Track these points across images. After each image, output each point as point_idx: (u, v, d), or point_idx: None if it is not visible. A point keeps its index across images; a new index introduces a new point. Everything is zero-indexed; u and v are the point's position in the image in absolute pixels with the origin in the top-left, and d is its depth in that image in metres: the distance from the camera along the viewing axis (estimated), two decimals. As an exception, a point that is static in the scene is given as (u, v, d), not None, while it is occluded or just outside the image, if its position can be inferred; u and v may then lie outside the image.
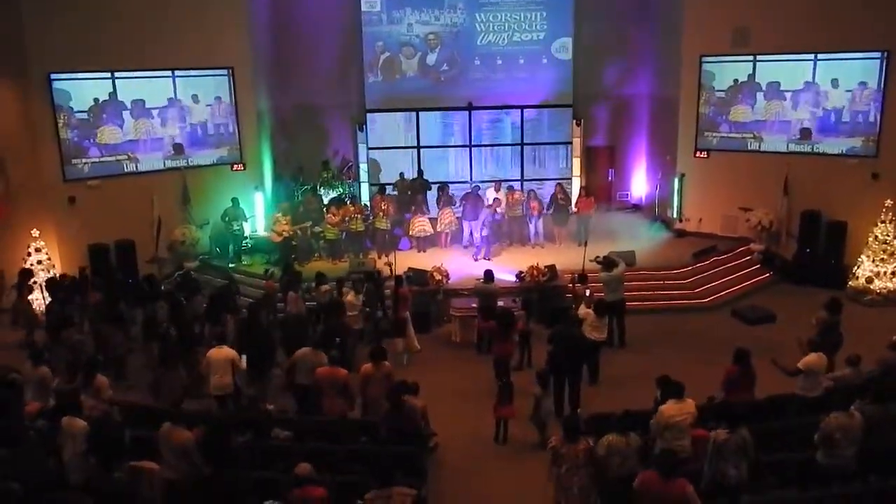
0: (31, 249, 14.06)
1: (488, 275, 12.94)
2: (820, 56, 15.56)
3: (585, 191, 17.54)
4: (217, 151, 17.08)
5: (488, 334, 11.93)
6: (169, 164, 16.40)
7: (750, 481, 7.10)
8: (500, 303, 12.70)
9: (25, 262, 13.92)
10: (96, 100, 15.24)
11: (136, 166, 15.96)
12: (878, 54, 14.90)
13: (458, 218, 16.78)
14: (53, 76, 14.47)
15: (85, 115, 15.12)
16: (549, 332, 11.02)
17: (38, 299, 13.58)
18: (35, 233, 14.10)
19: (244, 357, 10.16)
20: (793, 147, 16.24)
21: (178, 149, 16.50)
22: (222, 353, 9.82)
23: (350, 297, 12.46)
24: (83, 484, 7.26)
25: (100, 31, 14.66)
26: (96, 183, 15.28)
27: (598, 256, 14.36)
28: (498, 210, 16.43)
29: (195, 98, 16.63)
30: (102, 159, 15.46)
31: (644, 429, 7.73)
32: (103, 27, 14.70)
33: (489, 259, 15.68)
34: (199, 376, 10.84)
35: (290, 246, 15.73)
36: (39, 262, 14.02)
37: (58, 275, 13.86)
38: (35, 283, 13.59)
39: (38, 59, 14.16)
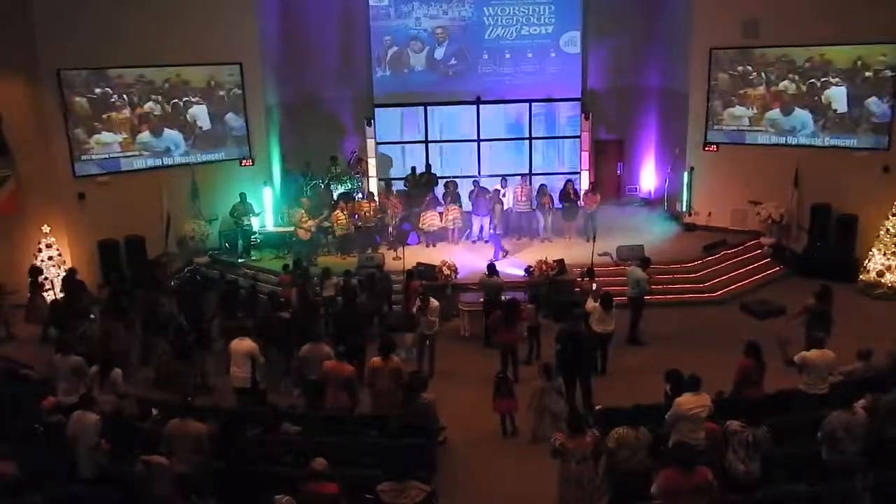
0: (42, 245, 14.14)
1: (491, 268, 12.98)
2: (831, 47, 15.45)
3: (592, 186, 17.50)
4: (226, 147, 17.12)
5: (494, 324, 11.93)
6: (178, 159, 16.45)
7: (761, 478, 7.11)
8: (506, 296, 12.69)
9: (36, 258, 14.02)
10: (105, 95, 15.29)
11: (146, 162, 16.03)
12: (889, 46, 14.77)
13: (466, 213, 16.75)
14: (63, 72, 14.52)
15: (94, 111, 15.17)
16: (557, 326, 11.02)
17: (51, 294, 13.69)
18: (45, 228, 14.18)
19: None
20: (803, 140, 16.15)
21: (187, 144, 16.56)
22: (243, 344, 9.81)
23: (433, 304, 11.89)
24: (95, 477, 7.33)
25: (110, 27, 14.70)
26: (106, 179, 15.36)
27: (606, 252, 14.37)
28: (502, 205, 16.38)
29: (204, 93, 16.65)
30: (112, 155, 15.53)
31: (655, 422, 7.72)
32: (113, 23, 14.74)
33: (506, 256, 15.55)
34: (206, 370, 10.97)
35: (316, 242, 15.82)
36: (50, 258, 14.11)
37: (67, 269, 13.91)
38: (46, 278, 13.68)
39: (48, 55, 14.21)
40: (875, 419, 7.50)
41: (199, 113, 16.74)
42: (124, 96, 15.64)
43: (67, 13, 14.18)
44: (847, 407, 7.32)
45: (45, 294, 13.29)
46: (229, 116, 17.10)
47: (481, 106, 18.53)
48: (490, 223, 15.93)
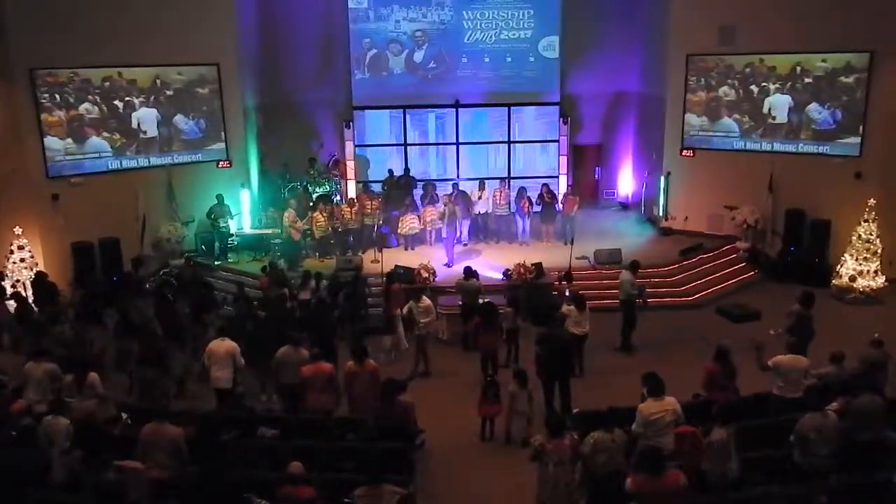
0: (14, 247, 13.90)
1: (468, 271, 13.00)
2: (805, 55, 15.69)
3: (571, 189, 17.60)
4: (203, 148, 16.96)
5: (474, 329, 11.97)
6: (154, 161, 16.26)
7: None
8: (482, 300, 12.70)
9: (8, 261, 13.79)
10: (80, 95, 15.07)
11: (121, 163, 15.83)
12: (862, 54, 15.02)
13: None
14: (37, 72, 14.31)
15: (68, 111, 14.94)
16: (536, 329, 11.06)
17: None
18: (18, 230, 13.94)
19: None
20: (778, 146, 16.37)
21: (163, 145, 16.38)
22: (223, 346, 9.74)
23: (425, 301, 12.04)
24: (68, 483, 7.22)
25: (84, 27, 14.51)
26: (80, 180, 15.14)
27: (583, 255, 14.41)
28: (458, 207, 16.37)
29: (181, 94, 16.48)
30: (86, 156, 15.32)
31: (631, 425, 7.76)
32: (87, 23, 14.55)
33: (451, 265, 15.44)
34: (186, 372, 10.86)
35: (304, 242, 15.79)
36: (22, 260, 13.87)
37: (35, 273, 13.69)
38: (18, 281, 13.47)
39: (21, 55, 13.99)
40: (847, 422, 7.60)
41: (145, 116, 15.94)
42: (56, 96, 14.63)
43: (42, 12, 13.99)
44: (819, 410, 7.40)
45: (7, 300, 13.05)
46: (178, 119, 16.48)
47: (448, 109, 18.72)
48: (447, 229, 15.82)
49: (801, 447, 7.34)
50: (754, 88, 16.29)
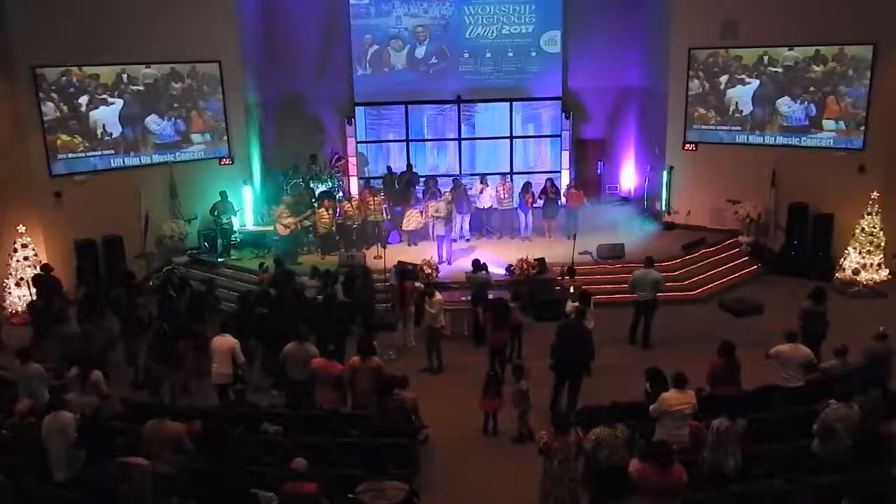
0: (18, 245, 13.94)
1: (476, 264, 13.00)
2: (808, 48, 15.63)
3: (574, 184, 17.59)
4: (205, 145, 16.97)
5: (484, 324, 11.96)
6: (156, 158, 16.27)
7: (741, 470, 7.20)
8: (491, 294, 12.70)
9: (12, 259, 13.84)
10: (82, 93, 15.07)
11: (123, 161, 15.83)
12: (865, 47, 14.96)
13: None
14: (39, 70, 14.32)
15: (70, 109, 14.95)
16: (538, 324, 11.04)
17: (25, 295, 13.54)
18: (21, 228, 13.97)
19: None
20: (780, 140, 16.32)
21: (165, 143, 16.38)
22: (224, 341, 9.79)
23: (437, 297, 12.08)
24: (69, 480, 7.24)
25: (85, 25, 14.50)
26: (82, 178, 15.16)
27: (586, 251, 14.35)
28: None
29: (183, 92, 16.48)
30: (89, 154, 15.32)
31: (633, 420, 7.77)
32: (91, 20, 14.54)
33: (450, 263, 15.42)
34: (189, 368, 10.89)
35: (295, 239, 15.75)
36: (26, 258, 13.91)
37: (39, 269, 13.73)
38: (21, 280, 13.52)
39: (23, 53, 13.99)
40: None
41: (108, 116, 15.19)
42: None
43: (43, 10, 13.99)
44: (847, 401, 7.39)
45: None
46: (150, 119, 15.92)
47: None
48: (444, 227, 15.73)
49: (824, 438, 7.32)
50: (721, 80, 16.21)
